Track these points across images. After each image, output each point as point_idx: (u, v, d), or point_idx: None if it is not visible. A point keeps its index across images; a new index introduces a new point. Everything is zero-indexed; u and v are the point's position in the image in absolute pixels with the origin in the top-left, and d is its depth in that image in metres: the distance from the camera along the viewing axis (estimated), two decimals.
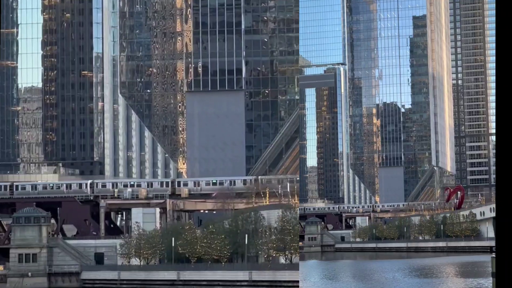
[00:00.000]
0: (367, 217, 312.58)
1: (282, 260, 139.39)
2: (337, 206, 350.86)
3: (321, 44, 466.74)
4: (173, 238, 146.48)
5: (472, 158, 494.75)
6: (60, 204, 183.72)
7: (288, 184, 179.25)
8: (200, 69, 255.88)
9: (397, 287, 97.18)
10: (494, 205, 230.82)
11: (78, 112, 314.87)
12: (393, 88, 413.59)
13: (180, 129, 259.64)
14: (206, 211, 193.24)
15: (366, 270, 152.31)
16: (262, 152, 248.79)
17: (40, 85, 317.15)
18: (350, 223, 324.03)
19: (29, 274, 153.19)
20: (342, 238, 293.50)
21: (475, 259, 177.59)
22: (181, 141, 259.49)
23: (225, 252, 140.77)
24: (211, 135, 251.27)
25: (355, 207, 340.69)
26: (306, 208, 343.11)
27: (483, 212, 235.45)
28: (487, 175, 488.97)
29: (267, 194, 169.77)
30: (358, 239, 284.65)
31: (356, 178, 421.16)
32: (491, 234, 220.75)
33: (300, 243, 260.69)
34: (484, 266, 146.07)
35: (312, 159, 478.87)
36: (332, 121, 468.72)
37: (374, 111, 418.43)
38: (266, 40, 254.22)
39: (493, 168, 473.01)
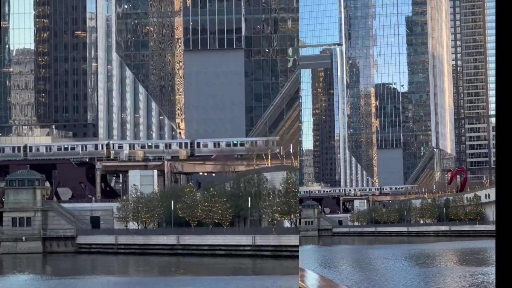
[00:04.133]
0: (365, 201, 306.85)
1: (286, 223, 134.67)
2: (335, 189, 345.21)
3: (316, 24, 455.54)
4: (172, 201, 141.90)
5: (471, 140, 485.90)
6: (54, 167, 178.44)
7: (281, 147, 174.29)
8: (198, 27, 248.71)
9: (402, 279, 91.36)
10: None
11: (71, 74, 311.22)
12: (391, 67, 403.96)
13: (178, 89, 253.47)
14: (205, 174, 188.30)
15: (365, 258, 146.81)
16: (263, 112, 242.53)
17: (32, 46, 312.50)
18: (348, 207, 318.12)
19: (23, 238, 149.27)
20: (340, 222, 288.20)
21: (480, 244, 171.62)
22: (179, 101, 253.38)
23: (227, 215, 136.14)
24: (210, 95, 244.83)
25: (353, 190, 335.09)
26: (303, 191, 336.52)
27: (488, 195, 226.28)
28: (487, 158, 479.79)
29: (269, 156, 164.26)
30: (356, 223, 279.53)
31: (353, 160, 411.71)
32: None
33: None
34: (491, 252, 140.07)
35: (307, 142, 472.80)
36: (329, 103, 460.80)
37: (372, 91, 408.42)
38: None
39: (493, 150, 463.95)
